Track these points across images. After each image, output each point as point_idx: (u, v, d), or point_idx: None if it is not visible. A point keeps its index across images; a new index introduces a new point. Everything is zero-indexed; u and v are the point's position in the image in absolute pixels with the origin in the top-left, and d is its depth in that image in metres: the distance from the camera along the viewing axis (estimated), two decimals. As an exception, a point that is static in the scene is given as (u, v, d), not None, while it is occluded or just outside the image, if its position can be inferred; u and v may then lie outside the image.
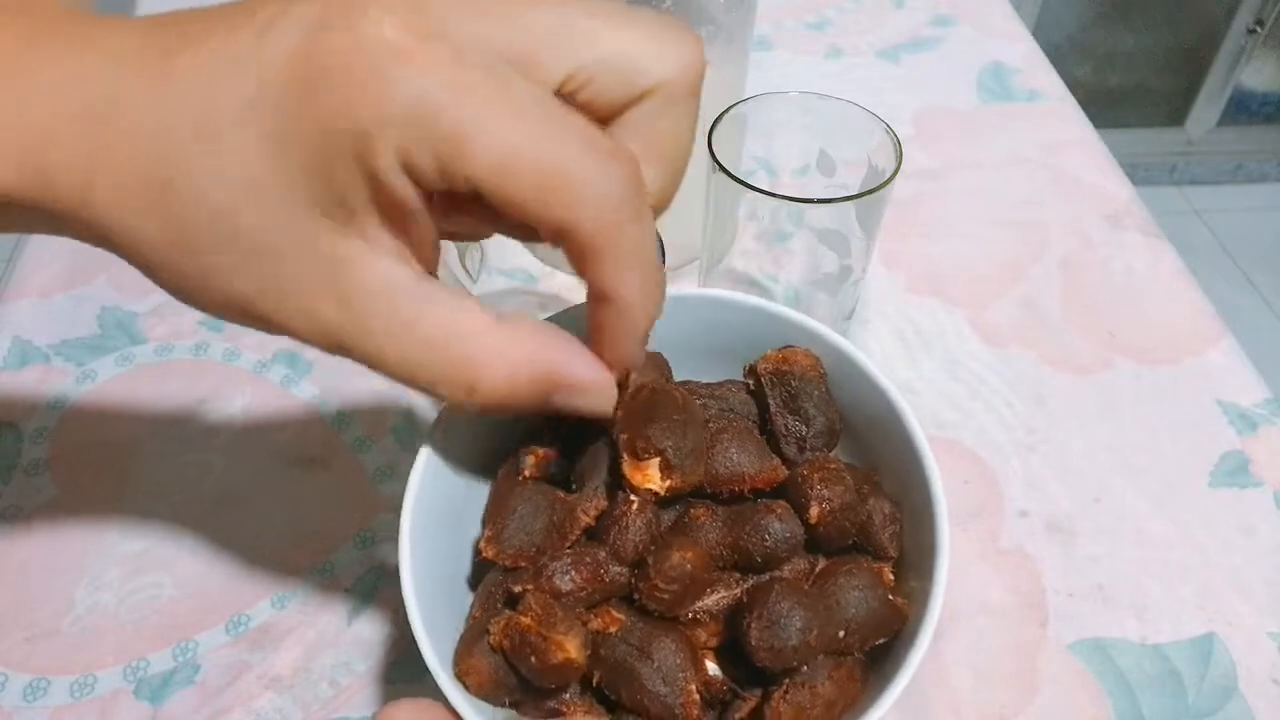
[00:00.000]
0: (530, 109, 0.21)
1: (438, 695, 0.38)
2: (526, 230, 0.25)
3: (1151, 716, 0.38)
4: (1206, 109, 1.78)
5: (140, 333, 0.50)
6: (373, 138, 0.20)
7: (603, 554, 0.28)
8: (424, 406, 0.47)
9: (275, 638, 0.39)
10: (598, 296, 0.24)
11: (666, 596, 0.27)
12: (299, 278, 0.22)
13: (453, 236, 0.28)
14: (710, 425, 0.30)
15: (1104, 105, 1.74)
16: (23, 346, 0.49)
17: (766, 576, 0.29)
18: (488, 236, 0.28)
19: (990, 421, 0.48)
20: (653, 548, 0.28)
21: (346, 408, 0.47)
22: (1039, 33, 0.92)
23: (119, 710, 0.37)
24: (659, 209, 0.25)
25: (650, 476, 0.28)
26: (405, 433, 0.46)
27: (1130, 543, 0.43)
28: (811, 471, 0.29)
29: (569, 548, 0.29)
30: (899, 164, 0.39)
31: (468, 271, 0.44)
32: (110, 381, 0.48)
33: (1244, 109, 1.80)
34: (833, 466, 0.30)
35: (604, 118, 0.24)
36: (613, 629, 0.27)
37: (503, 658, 0.27)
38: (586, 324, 0.25)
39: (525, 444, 0.31)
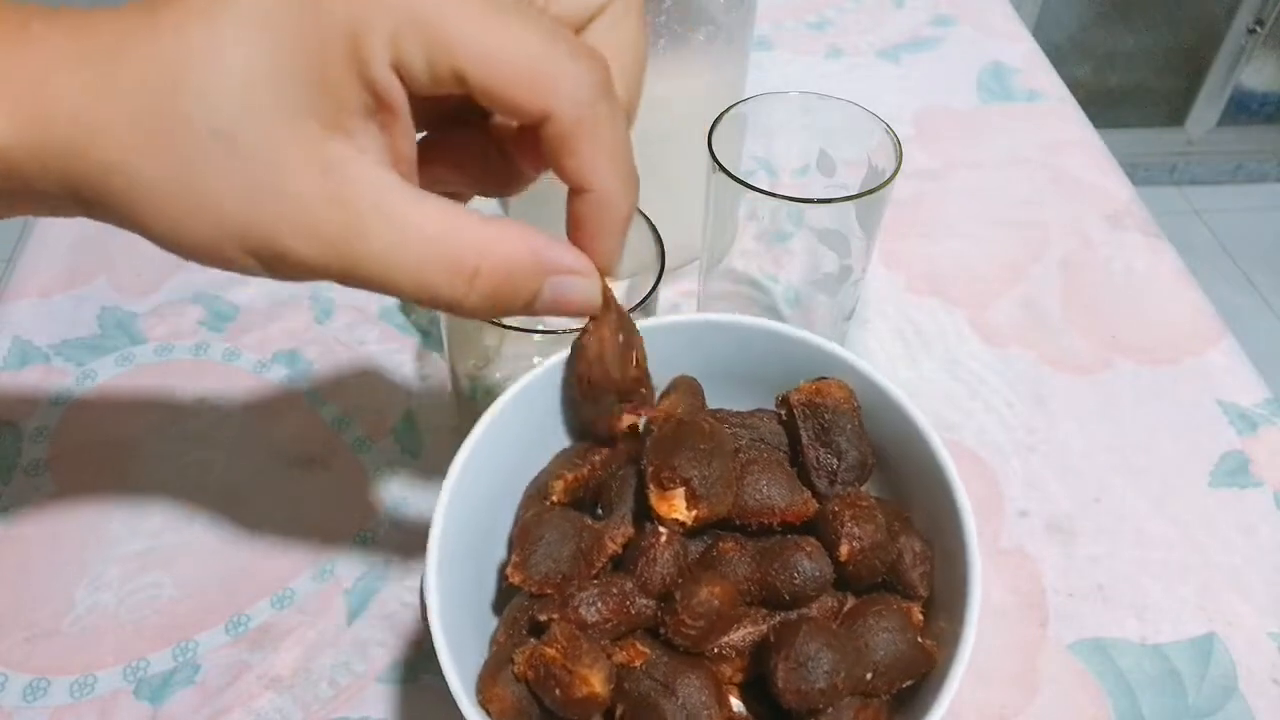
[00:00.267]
0: (510, 9, 0.22)
1: (436, 696, 0.38)
2: (501, 173, 0.28)
3: (1151, 716, 0.38)
4: (1206, 109, 1.78)
5: (140, 333, 0.50)
6: (366, 32, 0.21)
7: (629, 585, 0.28)
8: (424, 407, 0.47)
9: (275, 638, 0.39)
10: (576, 189, 0.25)
11: (693, 632, 0.27)
12: (299, 189, 0.22)
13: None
14: (740, 455, 0.30)
15: (1104, 105, 1.74)
16: (23, 346, 0.49)
17: (794, 615, 0.29)
18: (467, 199, 0.29)
19: (990, 421, 0.48)
20: (680, 581, 0.28)
21: (346, 408, 0.47)
22: (1039, 33, 0.92)
23: (119, 710, 0.37)
24: (629, 114, 0.27)
25: (676, 506, 0.28)
26: (405, 433, 0.46)
27: (1130, 543, 0.43)
28: (843, 508, 0.29)
29: (595, 577, 0.28)
30: (899, 164, 0.39)
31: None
32: (110, 381, 0.48)
33: (1244, 109, 1.80)
34: (864, 503, 0.29)
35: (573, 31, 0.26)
36: (637, 662, 0.27)
37: (526, 687, 0.27)
38: (566, 224, 0.26)
39: (553, 468, 0.31)
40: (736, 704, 0.29)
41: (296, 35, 0.22)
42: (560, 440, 0.33)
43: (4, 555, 0.41)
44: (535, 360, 0.43)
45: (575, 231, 0.26)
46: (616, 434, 0.31)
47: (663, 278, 0.36)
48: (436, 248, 0.23)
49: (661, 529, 0.28)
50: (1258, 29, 1.64)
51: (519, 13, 0.23)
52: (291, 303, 0.52)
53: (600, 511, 0.30)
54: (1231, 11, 1.65)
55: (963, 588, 0.28)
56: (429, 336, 0.50)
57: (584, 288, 0.26)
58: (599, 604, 0.27)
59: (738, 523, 0.29)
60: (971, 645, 0.26)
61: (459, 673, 0.26)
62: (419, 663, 0.39)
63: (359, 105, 0.22)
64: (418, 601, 0.40)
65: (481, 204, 0.34)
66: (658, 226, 0.37)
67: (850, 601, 0.30)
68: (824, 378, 0.32)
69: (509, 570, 0.28)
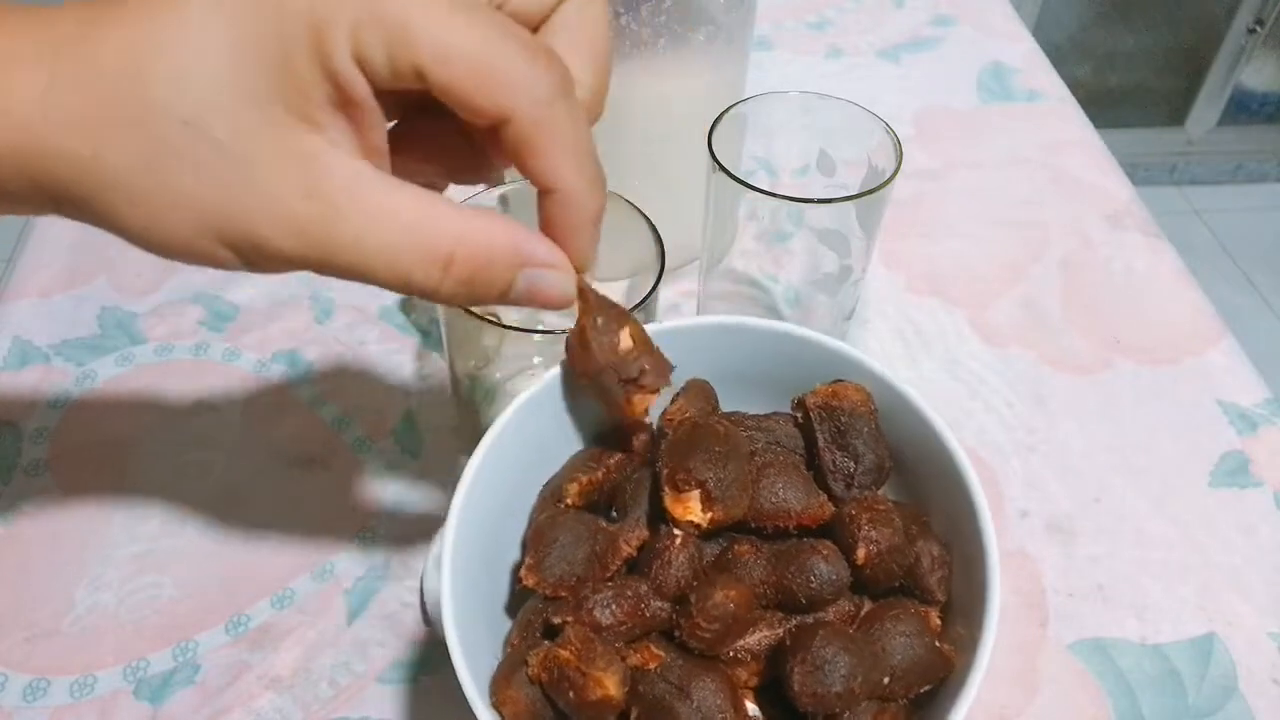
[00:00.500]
0: (470, 9, 0.23)
1: (436, 696, 0.38)
2: (472, 162, 0.28)
3: (1151, 716, 0.38)
4: (1206, 109, 1.78)
5: (140, 333, 0.50)
6: (328, 25, 0.21)
7: (644, 588, 0.28)
8: (424, 407, 0.47)
9: (275, 638, 0.39)
10: (543, 189, 0.25)
11: (708, 635, 0.27)
12: (271, 179, 0.22)
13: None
14: (756, 458, 0.30)
15: (1104, 105, 1.73)
16: (23, 346, 0.49)
17: (810, 618, 0.28)
18: (442, 189, 0.29)
19: (990, 421, 0.48)
20: (695, 584, 0.28)
21: (346, 408, 0.47)
22: (1039, 33, 0.92)
23: (119, 710, 0.37)
24: (596, 107, 0.27)
25: (691, 509, 0.28)
26: (405, 433, 0.46)
27: (1130, 543, 0.43)
28: (860, 511, 0.29)
29: (610, 579, 0.28)
30: (899, 164, 0.39)
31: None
32: (110, 381, 0.48)
33: (1244, 109, 1.80)
34: (881, 507, 0.29)
35: (531, 28, 0.26)
36: (652, 665, 0.27)
37: (540, 690, 0.27)
38: (538, 223, 0.26)
39: (568, 471, 0.31)
40: (752, 708, 0.29)
41: (261, 27, 0.22)
42: (576, 443, 0.33)
43: (4, 555, 0.41)
44: (535, 360, 0.43)
45: (547, 230, 0.26)
46: (637, 418, 0.30)
47: (663, 278, 0.36)
48: (412, 235, 0.23)
49: (676, 531, 0.28)
50: (1258, 29, 1.64)
51: (479, 12, 0.23)
52: (291, 303, 0.52)
53: (615, 514, 0.30)
54: (1231, 11, 1.65)
55: (981, 592, 0.27)
56: (429, 336, 0.50)
57: (558, 281, 0.26)
58: (613, 606, 0.27)
59: (753, 526, 0.29)
60: (990, 650, 0.26)
61: (473, 675, 0.26)
62: (419, 663, 0.39)
63: (325, 97, 0.22)
64: (418, 601, 0.40)
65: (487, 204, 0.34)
66: (658, 226, 0.37)
67: (867, 606, 0.29)
68: (840, 380, 0.31)
69: (523, 572, 0.28)
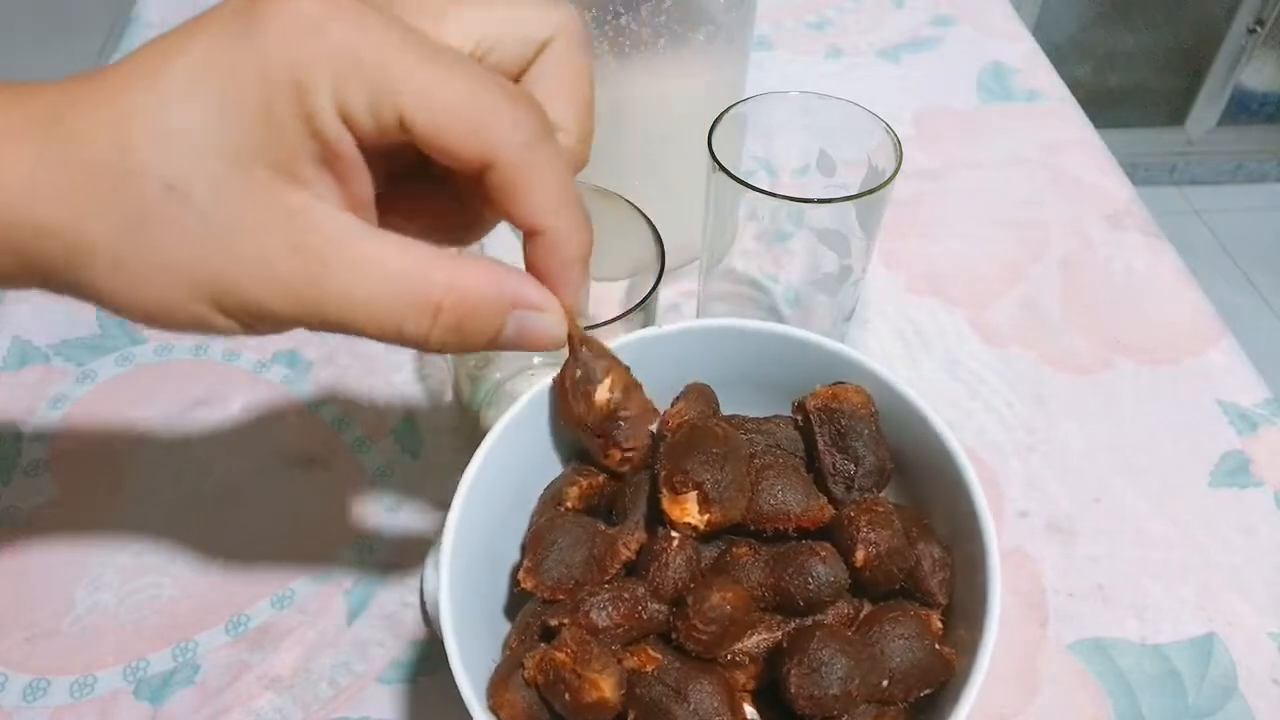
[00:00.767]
0: (448, 58, 0.23)
1: (435, 697, 0.38)
2: (458, 223, 0.28)
3: (1151, 716, 0.38)
4: (1206, 109, 1.78)
5: (140, 333, 0.50)
6: (310, 81, 0.22)
7: (641, 590, 0.28)
8: (424, 407, 0.47)
9: (275, 638, 0.39)
10: (529, 232, 0.25)
11: (705, 637, 0.27)
12: (256, 237, 0.22)
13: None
14: (755, 461, 0.30)
15: (1104, 105, 1.73)
16: (23, 346, 0.49)
17: (809, 621, 0.28)
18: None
19: (990, 421, 0.48)
20: (692, 586, 0.28)
21: (347, 408, 0.47)
22: (1039, 33, 0.92)
23: (119, 710, 0.37)
24: (582, 154, 0.27)
25: (688, 510, 0.27)
26: (405, 433, 0.46)
27: (1130, 543, 0.43)
28: (859, 513, 0.28)
29: (608, 582, 0.28)
30: (899, 164, 0.39)
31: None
32: (110, 381, 0.48)
33: (1244, 109, 1.80)
34: (881, 509, 0.29)
35: (513, 77, 0.26)
36: (649, 668, 0.27)
37: (537, 693, 0.27)
38: (525, 268, 0.26)
39: (568, 474, 0.31)
40: (751, 712, 0.29)
41: (241, 87, 0.22)
42: (578, 446, 0.33)
43: (4, 555, 0.41)
44: (535, 360, 0.43)
45: (534, 274, 0.26)
46: (613, 467, 0.31)
47: (663, 278, 0.36)
48: (399, 284, 0.23)
49: (674, 533, 0.28)
50: (1258, 29, 1.64)
51: (458, 61, 0.23)
52: (291, 303, 0.51)
53: (615, 517, 0.30)
54: (1231, 11, 1.65)
55: (982, 595, 0.27)
56: (429, 336, 0.50)
57: (548, 323, 0.26)
58: (610, 609, 0.27)
59: (753, 528, 0.29)
60: (990, 653, 0.26)
61: (470, 678, 0.26)
62: (419, 663, 0.39)
63: (309, 153, 0.22)
64: (418, 601, 0.40)
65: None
66: (658, 226, 0.37)
67: (867, 608, 0.29)
68: (841, 382, 0.31)
69: (521, 575, 0.28)
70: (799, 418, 0.32)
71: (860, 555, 0.28)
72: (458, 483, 0.29)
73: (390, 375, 0.48)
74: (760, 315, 0.47)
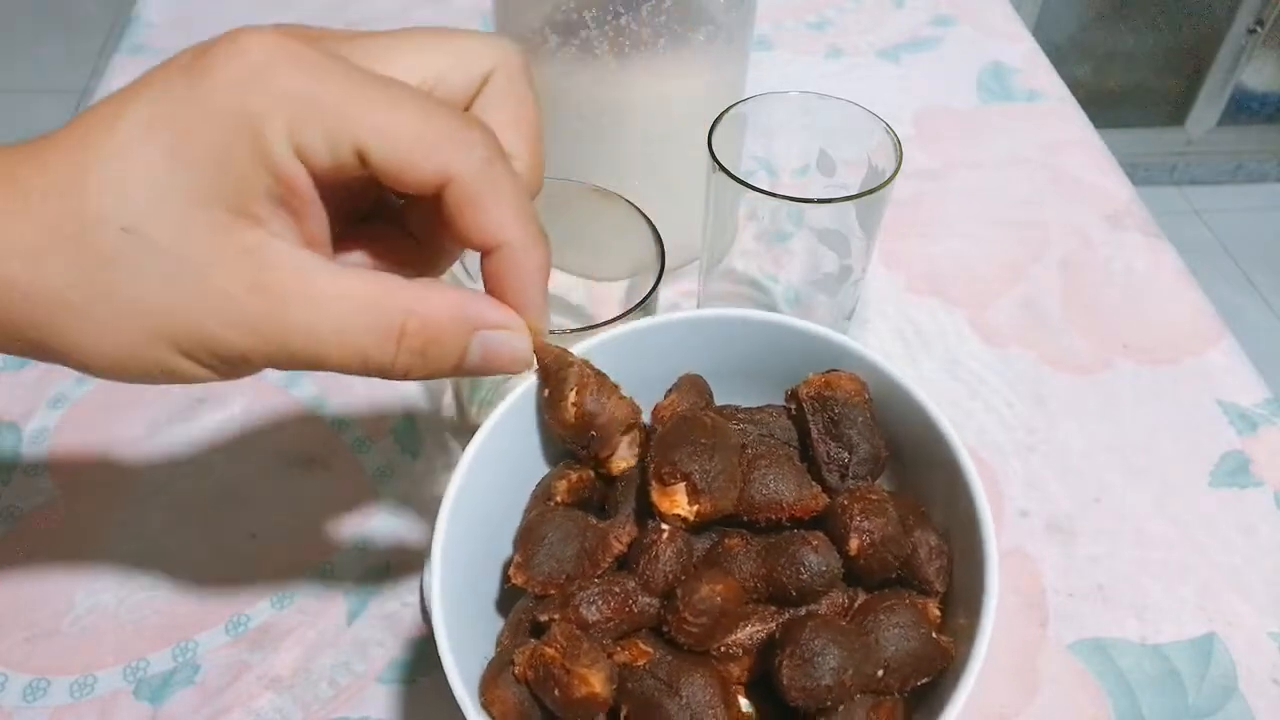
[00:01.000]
0: (399, 90, 0.24)
1: (435, 696, 0.38)
2: (415, 259, 0.28)
3: (1151, 716, 0.38)
4: (1206, 109, 1.78)
5: (140, 333, 0.50)
6: (264, 122, 0.22)
7: (632, 584, 0.28)
8: (424, 407, 0.47)
9: (275, 638, 0.39)
10: (487, 248, 0.25)
11: (695, 630, 0.27)
12: (216, 277, 0.23)
13: None
14: (747, 451, 0.29)
15: (1104, 105, 1.73)
16: (23, 346, 0.49)
17: (802, 611, 0.28)
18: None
19: (990, 421, 0.48)
20: (683, 578, 0.27)
21: (346, 408, 0.47)
22: (1039, 33, 0.92)
23: (119, 710, 0.37)
24: (535, 181, 0.28)
25: (678, 502, 0.27)
26: (405, 433, 0.46)
27: (1130, 543, 0.43)
28: (852, 502, 0.28)
29: (599, 576, 0.28)
30: (899, 164, 0.39)
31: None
32: (110, 382, 0.48)
33: (1244, 109, 1.80)
34: (874, 497, 0.28)
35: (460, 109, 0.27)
36: (640, 662, 0.27)
37: (528, 689, 0.26)
38: (485, 288, 0.26)
39: (558, 468, 0.31)
40: (744, 704, 0.29)
41: (195, 131, 0.22)
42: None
43: (4, 555, 0.41)
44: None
45: (495, 293, 0.26)
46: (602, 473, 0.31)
47: (663, 278, 0.36)
48: (362, 315, 0.24)
49: (664, 526, 0.28)
50: (1258, 29, 1.64)
51: (409, 92, 0.24)
52: (291, 303, 0.51)
53: (607, 511, 0.30)
54: (1231, 11, 1.65)
55: (979, 580, 0.27)
56: (429, 336, 0.50)
57: (512, 343, 0.26)
58: (600, 603, 0.27)
59: (745, 519, 0.29)
60: (987, 640, 0.26)
61: (462, 675, 0.26)
62: (419, 663, 0.39)
63: (265, 193, 0.23)
64: (418, 601, 0.40)
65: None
66: (658, 226, 0.37)
67: (862, 598, 0.29)
68: (834, 370, 0.31)
69: (511, 570, 0.28)
70: (792, 406, 0.32)
71: (854, 544, 0.27)
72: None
73: (390, 375, 0.48)
74: (760, 315, 0.47)
